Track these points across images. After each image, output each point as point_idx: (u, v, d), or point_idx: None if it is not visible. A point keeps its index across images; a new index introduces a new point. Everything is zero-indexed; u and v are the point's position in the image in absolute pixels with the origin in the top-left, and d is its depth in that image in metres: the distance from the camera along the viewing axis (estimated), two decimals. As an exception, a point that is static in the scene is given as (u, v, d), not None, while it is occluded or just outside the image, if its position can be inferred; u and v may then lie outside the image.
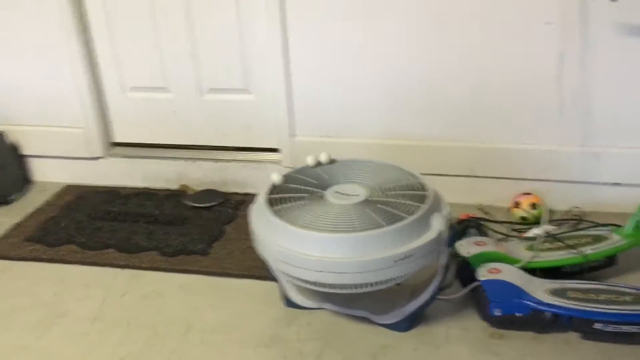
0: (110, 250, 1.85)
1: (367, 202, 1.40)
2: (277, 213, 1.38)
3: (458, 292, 1.50)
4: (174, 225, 1.95)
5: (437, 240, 1.33)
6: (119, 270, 1.76)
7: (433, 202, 1.38)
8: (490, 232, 1.77)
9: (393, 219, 1.32)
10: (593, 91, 1.76)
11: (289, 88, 1.98)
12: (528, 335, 1.41)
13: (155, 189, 2.19)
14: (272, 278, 1.58)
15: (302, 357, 1.40)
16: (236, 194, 2.13)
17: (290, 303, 1.55)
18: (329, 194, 1.43)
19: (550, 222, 1.80)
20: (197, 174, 2.17)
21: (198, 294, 1.64)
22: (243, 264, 1.74)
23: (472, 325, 1.45)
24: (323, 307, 1.53)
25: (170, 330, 1.51)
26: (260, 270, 1.69)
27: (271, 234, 1.36)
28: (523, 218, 1.83)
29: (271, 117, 2.04)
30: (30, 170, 2.30)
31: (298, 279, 1.34)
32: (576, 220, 1.82)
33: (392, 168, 1.53)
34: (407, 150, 1.95)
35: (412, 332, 1.45)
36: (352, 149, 1.99)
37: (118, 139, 2.25)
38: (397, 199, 1.40)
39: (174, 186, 2.18)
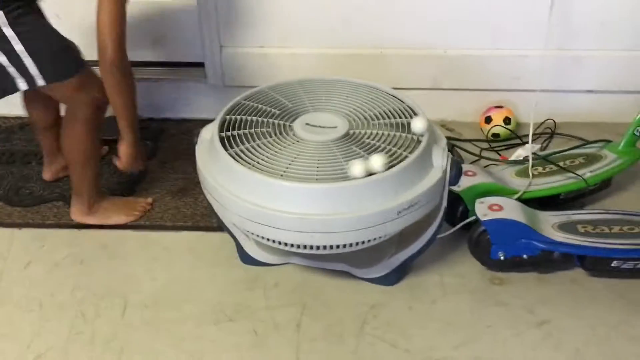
0: (-1, 203, 1.44)
1: (349, 137, 1.10)
2: (237, 157, 1.05)
3: (447, 231, 1.28)
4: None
5: (442, 180, 1.08)
6: (14, 230, 1.36)
7: (430, 132, 1.12)
8: (463, 154, 1.55)
9: (391, 158, 1.04)
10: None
11: (214, -14, 1.57)
12: (531, 277, 1.24)
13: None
14: (220, 229, 1.28)
15: (277, 329, 1.14)
16: (151, 120, 1.74)
17: (248, 260, 1.27)
18: (298, 126, 1.12)
19: (523, 137, 1.61)
20: (99, 97, 1.74)
21: (128, 257, 1.30)
22: (178, 211, 1.41)
23: (468, 270, 1.25)
24: (290, 262, 1.26)
25: (102, 310, 1.18)
26: (202, 219, 1.38)
27: (232, 185, 1.04)
28: (495, 135, 1.63)
29: (193, 24, 1.63)
30: None
31: (274, 241, 1.04)
32: (549, 134, 1.65)
33: (367, 88, 1.24)
34: (359, 60, 1.64)
35: (402, 286, 1.23)
36: (295, 62, 1.65)
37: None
38: (386, 130, 1.11)
39: (70, 113, 1.74)
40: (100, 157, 1.40)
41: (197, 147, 1.15)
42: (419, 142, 1.08)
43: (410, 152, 1.06)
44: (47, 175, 1.50)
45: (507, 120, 1.62)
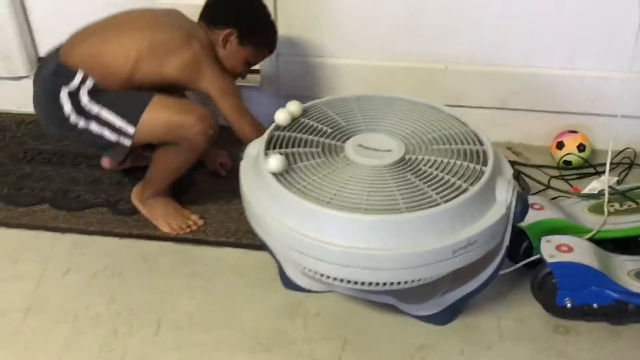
0: (44, 206, 1.41)
1: (405, 163, 1.01)
2: (282, 179, 0.98)
3: (507, 269, 1.17)
4: (128, 170, 1.52)
5: (505, 217, 0.97)
6: (57, 235, 1.34)
7: (495, 163, 1.01)
8: (529, 182, 1.43)
9: (449, 190, 0.95)
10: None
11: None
12: (601, 328, 1.11)
13: (99, 119, 1.72)
14: (263, 247, 1.21)
15: (314, 364, 1.07)
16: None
17: (290, 284, 1.19)
18: (350, 148, 1.04)
19: (598, 166, 1.47)
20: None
21: (168, 271, 1.25)
22: (223, 225, 1.36)
23: (530, 314, 1.14)
24: (334, 290, 1.18)
25: (135, 327, 1.13)
26: (247, 236, 1.32)
27: (274, 209, 0.97)
28: (567, 162, 1.49)
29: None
30: None
31: (316, 272, 0.96)
32: (628, 164, 1.50)
33: (428, 109, 1.14)
34: (423, 75, 1.54)
35: (455, 326, 1.12)
36: (355, 73, 1.57)
37: (45, 52, 1.74)
38: (447, 157, 1.01)
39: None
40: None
41: (241, 164, 1.08)
42: (482, 172, 0.98)
43: (471, 185, 0.95)
44: (106, 163, 1.49)
45: (581, 147, 1.48)
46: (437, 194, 0.94)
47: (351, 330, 1.12)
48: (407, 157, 1.02)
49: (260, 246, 1.23)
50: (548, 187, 1.41)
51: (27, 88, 1.73)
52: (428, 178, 0.97)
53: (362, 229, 0.91)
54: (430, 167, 1.00)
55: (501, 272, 1.16)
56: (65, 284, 1.23)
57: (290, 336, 1.11)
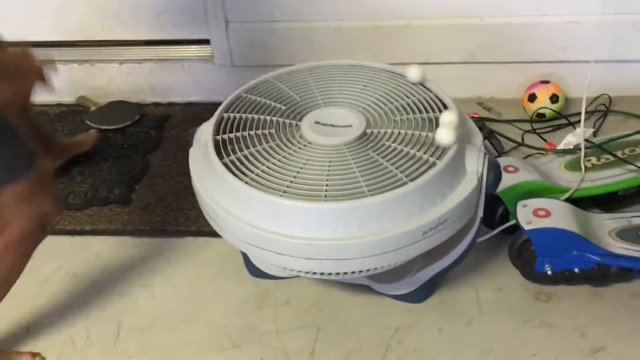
0: (-11, 207, 1.31)
1: (366, 138, 0.93)
2: (233, 167, 0.89)
3: (483, 237, 1.11)
4: (75, 161, 1.41)
5: (477, 188, 0.90)
6: (5, 238, 1.25)
7: (463, 130, 0.93)
8: (502, 141, 1.36)
9: (416, 166, 0.87)
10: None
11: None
12: (583, 291, 1.06)
13: (42, 105, 1.59)
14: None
15: (287, 357, 1.00)
16: (157, 105, 1.59)
17: (257, 272, 1.12)
18: (306, 126, 0.95)
19: (571, 116, 1.41)
20: (100, 81, 1.59)
21: (126, 269, 1.17)
22: (181, 213, 1.27)
23: (509, 283, 1.08)
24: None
25: (93, 334, 1.06)
26: (208, 223, 1.23)
27: (227, 202, 0.89)
28: (540, 115, 1.42)
29: (193, -5, 1.46)
30: None
31: (279, 267, 0.89)
32: (603, 111, 1.43)
33: (390, 75, 1.05)
34: (385, 33, 1.45)
35: (432, 303, 1.07)
36: (310, 37, 1.46)
37: (-23, 38, 1.60)
38: (411, 129, 0.93)
39: (68, 99, 1.60)
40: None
41: (190, 151, 0.99)
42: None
43: (438, 158, 0.88)
44: None
45: (554, 98, 1.41)
46: (402, 172, 0.86)
47: (324, 317, 1.06)
48: (368, 131, 0.94)
49: (223, 233, 1.16)
50: (521, 144, 1.34)
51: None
52: (392, 154, 0.89)
53: (323, 218, 0.83)
54: (394, 141, 0.92)
55: (478, 240, 1.10)
56: (13, 292, 1.13)
57: (260, 329, 1.05)
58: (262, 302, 1.09)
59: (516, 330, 1.01)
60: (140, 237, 1.23)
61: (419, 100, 0.99)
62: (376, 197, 0.83)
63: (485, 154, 0.93)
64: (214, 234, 1.19)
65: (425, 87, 1.02)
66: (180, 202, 1.30)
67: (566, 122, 1.40)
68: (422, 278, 1.04)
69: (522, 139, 1.37)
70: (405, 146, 0.90)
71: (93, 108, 1.57)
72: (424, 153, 0.89)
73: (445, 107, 0.97)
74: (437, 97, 1.00)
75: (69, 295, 1.13)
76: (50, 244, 1.21)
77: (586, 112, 1.41)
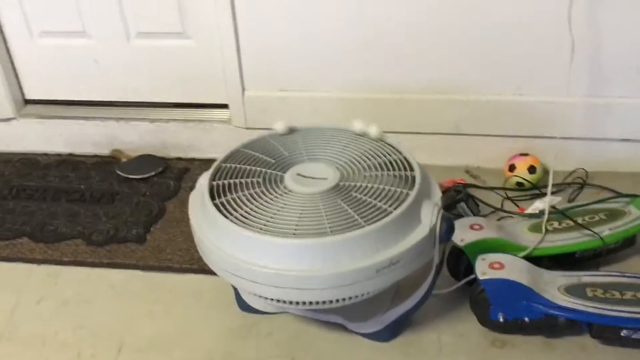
0: (24, 239, 1.51)
1: (338, 189, 1.09)
2: (222, 207, 1.06)
3: (450, 287, 1.23)
4: (103, 204, 1.61)
5: (429, 237, 1.04)
6: (33, 266, 1.43)
7: (422, 186, 1.08)
8: (481, 205, 1.49)
9: (374, 213, 1.02)
10: (605, 31, 1.44)
11: (237, 30, 1.61)
12: (536, 341, 1.16)
13: (81, 156, 1.82)
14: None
15: (263, 381, 1.13)
16: (179, 159, 1.79)
17: (246, 307, 1.26)
18: (289, 177, 1.12)
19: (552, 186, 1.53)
20: (132, 137, 1.81)
21: (133, 298, 1.33)
22: (188, 253, 1.43)
23: (469, 329, 1.19)
24: (287, 311, 1.25)
25: (98, 351, 1.21)
26: (208, 262, 1.39)
27: (214, 236, 1.05)
28: (519, 184, 1.56)
29: (217, 66, 1.68)
30: None
31: (251, 293, 1.04)
32: (580, 184, 1.55)
33: (367, 138, 1.22)
34: (379, 104, 1.62)
35: (397, 342, 1.18)
36: (315, 105, 1.65)
37: (31, 96, 1.86)
38: (377, 183, 1.09)
39: (104, 151, 1.82)
40: None
41: (191, 194, 1.17)
42: (407, 196, 1.05)
43: (395, 208, 1.03)
44: None
45: (531, 169, 1.54)
46: (361, 217, 1.01)
47: (300, 349, 1.18)
48: (341, 184, 1.10)
49: (220, 271, 1.31)
50: (497, 209, 1.47)
51: (14, 129, 1.87)
52: (356, 203, 1.05)
53: (291, 252, 0.98)
54: (360, 192, 1.07)
55: (443, 291, 1.23)
56: (37, 312, 1.31)
57: (242, 356, 1.18)
58: (247, 333, 1.23)
59: (470, 371, 1.12)
60: (149, 272, 1.40)
61: (389, 161, 1.15)
62: (335, 237, 0.98)
63: (439, 208, 1.07)
64: (212, 272, 1.36)
65: (397, 150, 1.18)
66: (187, 243, 1.46)
67: (542, 192, 1.53)
68: (388, 318, 1.17)
69: (502, 205, 1.50)
70: (369, 197, 1.06)
71: (124, 160, 1.78)
72: (384, 203, 1.04)
73: (411, 168, 1.13)
74: (405, 158, 1.15)
75: (81, 318, 1.29)
76: (72, 272, 1.41)
77: (564, 184, 1.56)
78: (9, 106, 1.81)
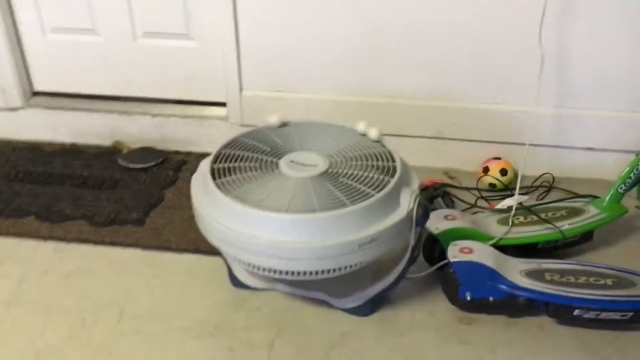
0: (31, 218, 1.61)
1: (327, 175, 1.21)
2: (222, 187, 1.18)
3: (424, 271, 1.36)
4: (105, 190, 1.72)
5: (406, 220, 1.17)
6: (40, 242, 1.53)
7: (402, 175, 1.21)
8: (457, 201, 1.63)
9: (358, 196, 1.15)
10: (572, 47, 1.60)
11: (237, 34, 1.74)
12: (500, 319, 1.29)
13: (84, 146, 1.93)
14: (218, 253, 1.39)
15: (252, 348, 1.24)
16: (177, 152, 1.91)
17: (238, 283, 1.38)
18: (283, 163, 1.24)
19: (520, 189, 1.67)
20: (133, 130, 1.92)
21: (132, 272, 1.44)
22: (185, 235, 1.55)
23: (440, 309, 1.32)
24: (275, 288, 1.36)
25: (100, 318, 1.31)
26: (204, 244, 1.48)
27: (215, 211, 1.17)
28: (492, 185, 1.69)
29: (217, 67, 1.81)
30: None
31: (247, 264, 1.16)
32: (547, 188, 1.70)
33: (355, 133, 1.35)
34: (369, 107, 1.76)
35: (375, 317, 1.30)
36: (308, 106, 1.78)
37: (40, 88, 1.97)
38: (362, 170, 1.22)
39: (106, 143, 1.93)
40: None
41: (193, 176, 1.29)
42: (388, 182, 1.18)
43: (377, 192, 1.15)
44: None
45: (503, 172, 1.68)
46: (347, 198, 1.13)
47: (286, 321, 1.30)
48: (329, 170, 1.22)
49: (215, 252, 1.43)
50: (472, 205, 1.60)
51: (21, 118, 1.97)
52: (342, 186, 1.17)
53: (283, 225, 1.11)
54: (347, 178, 1.20)
55: (419, 275, 1.36)
56: (43, 283, 1.41)
57: (233, 325, 1.29)
58: (238, 307, 1.34)
59: (438, 344, 1.24)
60: (147, 250, 1.51)
61: (373, 153, 1.28)
62: (324, 213, 1.10)
63: (417, 195, 1.20)
64: (208, 252, 1.47)
65: (381, 144, 1.31)
66: (185, 227, 1.57)
67: (511, 193, 1.67)
68: (368, 295, 1.29)
69: (475, 202, 1.64)
70: (355, 182, 1.19)
71: (125, 151, 1.89)
72: (368, 188, 1.17)
73: (393, 159, 1.26)
74: (389, 151, 1.28)
75: (84, 289, 1.39)
76: (75, 249, 1.51)
77: (532, 187, 1.70)
78: (18, 96, 1.92)
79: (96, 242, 1.53)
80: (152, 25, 1.81)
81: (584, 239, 1.43)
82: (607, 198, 1.44)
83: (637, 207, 1.52)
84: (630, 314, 1.21)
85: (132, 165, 1.83)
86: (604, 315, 1.21)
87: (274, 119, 1.37)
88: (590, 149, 1.71)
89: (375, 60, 1.70)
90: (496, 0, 1.57)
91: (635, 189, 1.50)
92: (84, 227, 1.58)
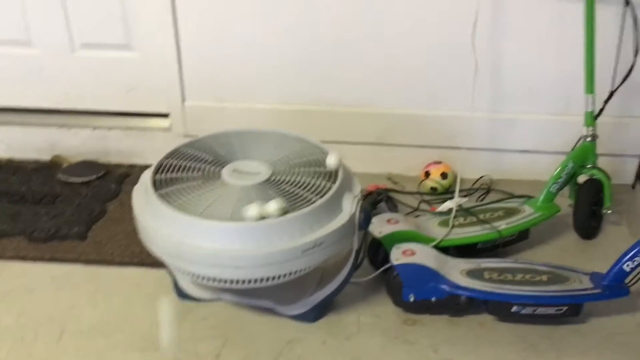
0: (-35, 237, 1.56)
1: (269, 182, 1.22)
2: (164, 197, 1.18)
3: (369, 275, 1.38)
4: (44, 205, 1.68)
5: (349, 224, 1.19)
6: (-24, 261, 1.49)
7: (343, 181, 1.23)
8: (400, 205, 1.67)
9: (300, 202, 1.16)
10: (504, 56, 1.67)
11: (178, 44, 1.74)
12: (443, 319, 1.32)
13: (21, 161, 1.88)
14: (163, 265, 1.38)
15: (198, 358, 1.23)
16: (120, 165, 1.88)
17: (183, 295, 1.37)
18: (226, 172, 1.25)
19: (461, 191, 1.72)
20: (73, 143, 1.89)
21: (74, 289, 1.41)
22: (128, 249, 1.52)
23: (385, 311, 1.34)
24: (221, 298, 1.36)
25: (40, 335, 1.28)
26: (148, 257, 1.47)
27: (157, 222, 1.16)
28: (433, 189, 1.74)
29: (159, 77, 1.79)
30: None
31: (191, 274, 1.15)
32: (486, 189, 1.75)
33: (296, 140, 1.36)
34: (311, 116, 1.78)
35: (321, 323, 1.32)
36: (251, 115, 1.79)
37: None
38: (304, 177, 1.23)
39: (45, 157, 1.89)
40: None
41: (135, 188, 1.27)
42: (330, 188, 1.20)
43: (319, 198, 1.17)
44: None
45: (444, 175, 1.73)
46: (288, 204, 1.15)
47: (232, 330, 1.30)
48: (272, 178, 1.24)
49: (160, 264, 1.41)
50: (415, 209, 1.64)
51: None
52: (285, 193, 1.18)
53: (226, 234, 1.11)
54: (290, 185, 1.21)
55: (364, 279, 1.38)
56: (-21, 302, 1.37)
57: (179, 337, 1.28)
58: (183, 318, 1.33)
59: (384, 345, 1.26)
60: (90, 265, 1.48)
61: (316, 159, 1.29)
62: (267, 221, 1.11)
63: (359, 199, 1.22)
64: (152, 265, 1.46)
65: (323, 151, 1.33)
66: (128, 240, 1.55)
67: (451, 196, 1.72)
68: (313, 301, 1.30)
69: (418, 206, 1.68)
70: (298, 188, 1.20)
71: (65, 165, 1.85)
72: (310, 194, 1.18)
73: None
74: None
75: (23, 306, 1.35)
76: (13, 266, 1.47)
77: (473, 189, 1.75)
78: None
79: (35, 259, 1.49)
80: (91, 36, 1.79)
81: (520, 238, 1.48)
82: (541, 198, 1.50)
83: (569, 205, 1.58)
84: (565, 307, 1.26)
85: (72, 180, 1.79)
86: (540, 310, 1.26)
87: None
88: (525, 151, 1.78)
89: (314, 70, 1.73)
90: (429, 10, 1.62)
91: (567, 188, 1.57)
92: (23, 243, 1.54)
